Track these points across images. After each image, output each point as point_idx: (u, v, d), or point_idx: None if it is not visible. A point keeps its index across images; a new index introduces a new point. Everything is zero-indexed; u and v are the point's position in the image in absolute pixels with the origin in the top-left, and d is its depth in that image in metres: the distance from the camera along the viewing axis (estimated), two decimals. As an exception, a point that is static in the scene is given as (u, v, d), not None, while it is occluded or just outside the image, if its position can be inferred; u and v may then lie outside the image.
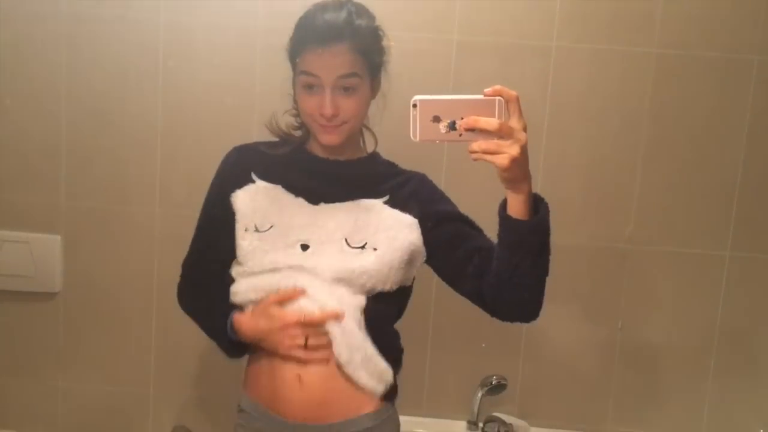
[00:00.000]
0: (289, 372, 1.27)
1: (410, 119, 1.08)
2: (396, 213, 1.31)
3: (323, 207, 1.30)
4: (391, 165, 1.41)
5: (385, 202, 1.32)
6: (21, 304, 2.03)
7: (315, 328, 1.24)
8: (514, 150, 1.04)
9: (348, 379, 1.27)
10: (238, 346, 1.35)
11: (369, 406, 1.32)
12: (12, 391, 2.07)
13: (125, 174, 1.97)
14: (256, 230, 1.29)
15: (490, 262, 1.23)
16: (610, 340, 1.99)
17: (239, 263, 1.32)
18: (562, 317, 1.98)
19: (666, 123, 1.91)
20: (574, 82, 1.89)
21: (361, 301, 1.27)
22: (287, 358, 1.27)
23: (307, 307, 1.25)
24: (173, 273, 1.92)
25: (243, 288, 1.31)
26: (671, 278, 1.97)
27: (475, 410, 1.96)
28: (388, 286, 1.29)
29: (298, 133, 1.40)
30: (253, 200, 1.32)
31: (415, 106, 1.07)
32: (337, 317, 1.24)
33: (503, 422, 1.94)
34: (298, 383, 1.27)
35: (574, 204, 1.94)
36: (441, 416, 2.02)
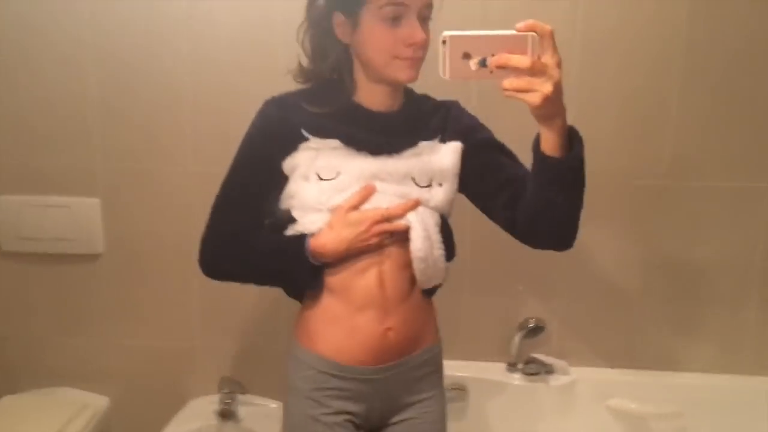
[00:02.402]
0: (377, 327, 1.29)
1: (439, 56, 1.04)
2: (449, 145, 1.31)
3: (386, 158, 1.27)
4: (428, 99, 1.38)
5: (441, 140, 1.32)
6: (67, 266, 2.09)
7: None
8: (546, 88, 1.01)
9: (421, 309, 1.36)
10: (316, 273, 1.29)
11: (436, 332, 1.43)
12: (66, 350, 2.15)
13: (157, 134, 1.99)
14: (321, 179, 1.25)
15: (524, 193, 1.23)
16: (650, 275, 1.97)
17: (304, 211, 1.29)
18: (599, 253, 1.96)
19: (701, 54, 1.84)
20: (607, 13, 1.84)
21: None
22: (369, 315, 1.28)
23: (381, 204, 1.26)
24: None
25: (316, 219, 1.27)
26: (710, 211, 1.93)
27: (514, 352, 1.98)
28: (449, 215, 1.35)
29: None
30: (314, 157, 1.26)
31: (444, 42, 1.03)
32: (416, 204, 1.26)
33: (543, 363, 1.96)
34: (390, 333, 1.30)
35: (608, 140, 1.90)
36: (480, 359, 2.05)
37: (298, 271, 1.28)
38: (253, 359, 2.11)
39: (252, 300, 2.07)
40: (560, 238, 1.27)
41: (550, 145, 1.12)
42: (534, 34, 1.02)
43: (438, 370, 1.43)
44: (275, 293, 1.99)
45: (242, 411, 2.05)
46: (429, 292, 1.39)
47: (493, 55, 1.02)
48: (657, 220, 1.94)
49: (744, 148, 1.89)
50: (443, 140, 1.32)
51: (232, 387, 2.03)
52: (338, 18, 1.23)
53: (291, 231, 1.30)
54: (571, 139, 1.13)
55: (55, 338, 2.14)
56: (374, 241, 1.25)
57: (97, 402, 2.12)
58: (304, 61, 1.32)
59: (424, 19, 1.21)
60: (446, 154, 1.31)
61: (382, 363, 1.32)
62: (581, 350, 2.02)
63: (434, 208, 1.30)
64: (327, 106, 1.27)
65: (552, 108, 1.05)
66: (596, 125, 1.87)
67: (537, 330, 1.96)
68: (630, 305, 2.00)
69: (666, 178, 1.91)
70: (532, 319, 1.96)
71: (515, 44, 1.02)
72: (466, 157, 1.32)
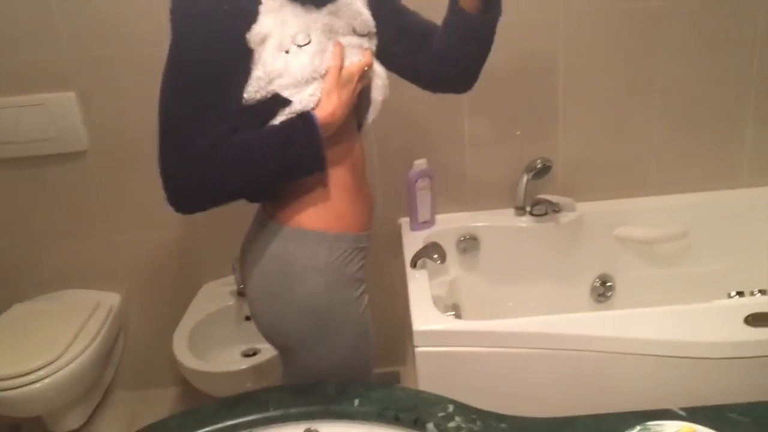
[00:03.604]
0: (364, 186, 1.30)
1: None
2: None
3: (330, 8, 1.18)
4: None
5: None
6: (52, 167, 2.01)
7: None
8: None
9: None
10: (319, 152, 1.15)
11: None
12: (68, 252, 2.11)
13: (126, 17, 1.86)
14: (300, 47, 1.12)
15: (426, 40, 1.29)
16: (649, 102, 1.97)
17: (294, 80, 1.14)
18: (597, 86, 1.95)
19: None
20: None
21: None
22: (355, 178, 1.26)
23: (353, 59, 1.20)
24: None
25: (315, 90, 1.16)
26: (705, 31, 1.91)
27: (522, 195, 2.00)
28: None
29: None
30: (273, 21, 1.10)
31: None
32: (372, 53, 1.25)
33: (550, 202, 1.98)
34: (369, 194, 1.33)
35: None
36: (488, 208, 2.06)
37: (313, 152, 1.13)
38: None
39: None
40: (464, 84, 1.34)
41: (469, 1, 1.15)
42: None
43: None
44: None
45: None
46: None
47: None
48: (652, 42, 1.92)
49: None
50: None
51: (245, 266, 2.03)
52: None
53: (282, 117, 1.13)
54: None
55: (54, 242, 2.09)
56: (355, 95, 1.19)
57: (109, 299, 2.11)
58: None
59: None
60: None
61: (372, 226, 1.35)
62: (585, 185, 2.05)
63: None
64: None
65: None
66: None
67: (545, 170, 1.97)
68: (630, 133, 2.01)
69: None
70: (539, 159, 1.96)
71: None
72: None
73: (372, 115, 1.29)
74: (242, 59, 1.09)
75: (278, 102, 1.12)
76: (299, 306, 1.21)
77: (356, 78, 1.17)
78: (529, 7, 1.85)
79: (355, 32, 1.22)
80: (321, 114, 1.13)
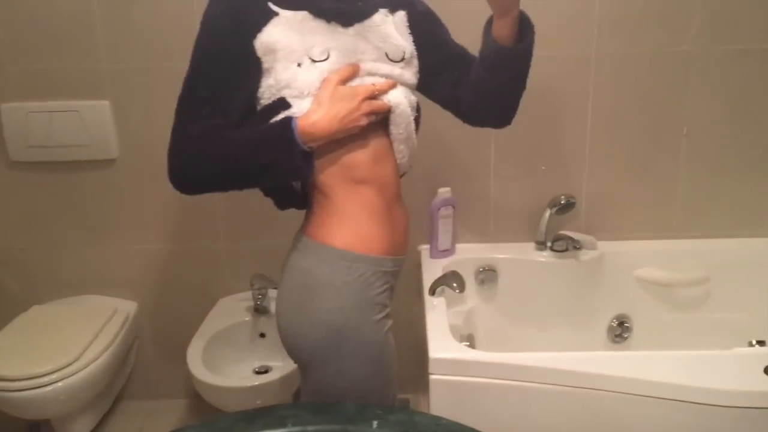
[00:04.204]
0: (396, 208, 1.32)
1: None
2: (398, 15, 1.30)
3: (357, 28, 1.23)
4: None
5: (390, 11, 1.29)
6: (81, 173, 2.04)
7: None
8: None
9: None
10: (306, 158, 1.19)
11: None
12: (90, 258, 2.13)
13: (164, 30, 1.90)
14: (314, 61, 1.18)
15: (468, 73, 1.30)
16: (676, 146, 1.98)
17: (299, 92, 1.19)
18: (625, 127, 1.96)
19: None
20: None
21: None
22: (386, 193, 1.27)
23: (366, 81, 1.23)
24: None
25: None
26: (734, 79, 1.92)
27: (543, 230, 2.00)
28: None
29: None
30: (286, 32, 1.18)
31: None
32: (395, 85, 1.25)
33: (571, 239, 1.97)
34: (401, 219, 1.33)
35: (634, 9, 1.85)
36: (509, 241, 2.06)
37: (288, 157, 1.16)
38: (279, 254, 2.09)
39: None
40: (501, 118, 1.35)
41: (503, 33, 1.17)
42: None
43: None
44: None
45: (274, 305, 2.06)
46: None
47: None
48: (681, 87, 1.93)
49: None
50: (392, 10, 1.30)
51: (263, 283, 2.04)
52: None
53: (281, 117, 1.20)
54: (524, 28, 1.17)
55: (76, 247, 2.12)
56: (364, 121, 1.19)
57: (126, 307, 2.13)
58: None
59: None
60: (399, 26, 1.29)
61: (405, 252, 1.36)
62: (608, 224, 2.05)
63: (409, 84, 1.29)
64: None
65: None
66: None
67: (568, 206, 1.97)
68: (655, 175, 2.01)
69: (695, 44, 1.88)
70: (563, 195, 1.96)
71: None
72: (410, 27, 1.31)
73: (402, 153, 1.30)
74: (248, 64, 1.17)
75: (282, 105, 1.19)
76: (314, 320, 1.22)
77: (360, 98, 1.18)
78: (562, 44, 1.87)
79: (387, 58, 1.24)
80: (302, 121, 1.16)
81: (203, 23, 1.19)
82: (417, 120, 1.33)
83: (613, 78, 1.91)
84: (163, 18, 1.89)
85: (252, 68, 1.18)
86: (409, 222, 1.37)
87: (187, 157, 1.17)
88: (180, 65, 1.88)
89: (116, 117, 1.98)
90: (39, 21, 1.90)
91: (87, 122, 1.97)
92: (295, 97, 1.19)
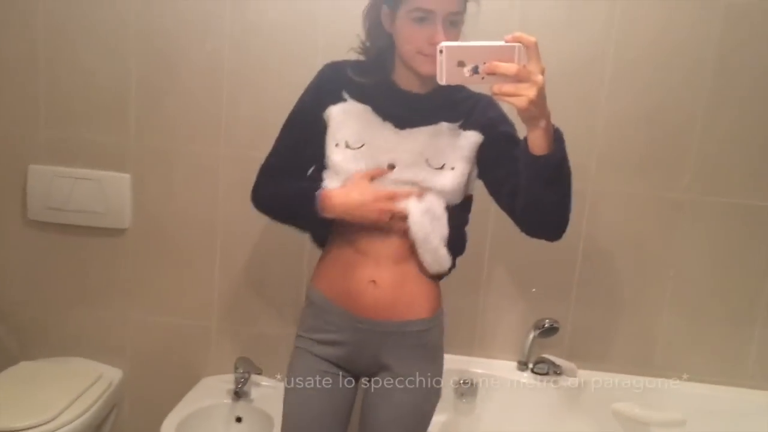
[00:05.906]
0: (364, 274, 1.44)
1: (437, 64, 1.17)
2: (468, 133, 1.43)
3: (408, 132, 1.41)
4: (464, 89, 1.48)
5: (461, 126, 1.43)
6: (92, 238, 2.13)
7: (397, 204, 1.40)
8: (531, 92, 1.13)
9: (414, 282, 1.46)
10: (321, 223, 1.44)
11: (426, 312, 1.49)
12: (84, 321, 2.18)
13: (191, 115, 2.04)
14: (348, 147, 1.41)
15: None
16: (662, 286, 2.03)
17: (331, 172, 1.45)
18: (614, 262, 2.02)
19: (730, 74, 1.91)
20: (639, 29, 1.90)
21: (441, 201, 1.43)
22: (363, 263, 1.44)
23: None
24: (236, 212, 2.02)
25: (333, 179, 1.45)
26: (729, 227, 1.99)
27: (526, 351, 2.03)
28: (460, 199, 1.45)
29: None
30: (346, 117, 1.43)
31: (441, 51, 1.17)
32: (420, 195, 1.40)
33: (553, 363, 2.00)
34: (372, 285, 1.44)
35: (633, 152, 1.96)
36: (492, 357, 2.09)
37: (308, 213, 1.42)
38: (268, 343, 2.14)
39: (272, 283, 2.12)
40: (549, 229, 1.38)
41: (536, 144, 1.23)
42: (520, 45, 1.14)
43: (428, 350, 1.51)
44: (295, 278, 2.05)
45: (254, 391, 2.09)
46: (433, 276, 1.49)
47: (484, 63, 1.15)
48: (674, 232, 2.00)
49: (765, 168, 1.96)
50: (464, 127, 1.43)
51: (247, 367, 2.07)
52: (385, 10, 1.40)
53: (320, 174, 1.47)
54: (556, 140, 1.24)
55: (74, 308, 2.18)
56: (374, 216, 1.38)
57: (111, 374, 2.16)
58: (363, 38, 1.48)
59: (451, 23, 1.34)
60: (463, 141, 1.42)
61: (362, 314, 1.45)
62: (591, 353, 2.07)
63: (441, 191, 1.41)
64: (368, 78, 1.45)
65: (536, 110, 1.16)
66: (624, 138, 1.94)
67: (552, 330, 2.01)
68: (639, 311, 2.05)
69: (688, 192, 1.97)
70: (547, 319, 2.01)
71: (504, 54, 1.15)
72: (483, 148, 1.43)
73: (421, 255, 1.43)
74: (316, 126, 1.45)
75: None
76: None
77: (374, 198, 1.38)
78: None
79: (427, 163, 1.39)
80: (325, 192, 1.42)
81: (305, 89, 1.50)
82: (454, 220, 1.44)
83: (606, 214, 2.00)
84: (193, 105, 2.02)
85: (322, 132, 1.45)
86: (367, 286, 1.45)
87: (257, 183, 1.51)
88: (203, 150, 2.03)
89: (134, 190, 2.09)
90: (79, 91, 2.04)
91: (106, 191, 2.08)
92: (327, 169, 1.44)
